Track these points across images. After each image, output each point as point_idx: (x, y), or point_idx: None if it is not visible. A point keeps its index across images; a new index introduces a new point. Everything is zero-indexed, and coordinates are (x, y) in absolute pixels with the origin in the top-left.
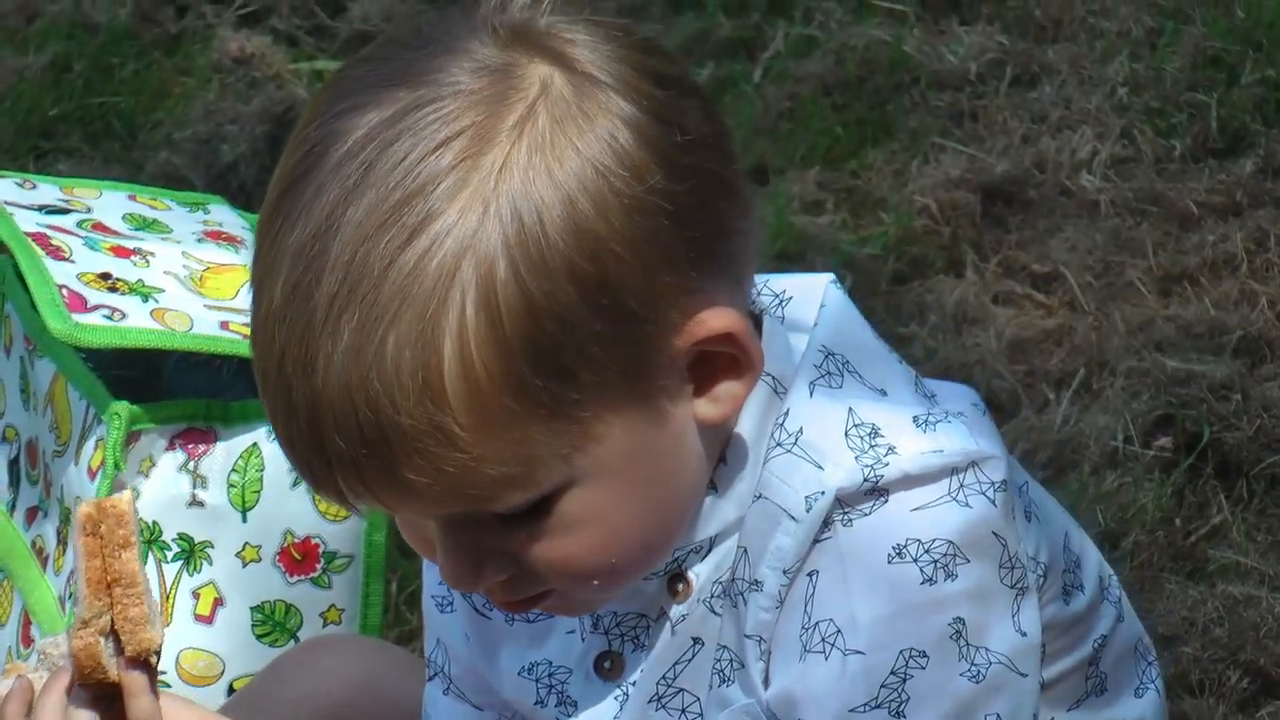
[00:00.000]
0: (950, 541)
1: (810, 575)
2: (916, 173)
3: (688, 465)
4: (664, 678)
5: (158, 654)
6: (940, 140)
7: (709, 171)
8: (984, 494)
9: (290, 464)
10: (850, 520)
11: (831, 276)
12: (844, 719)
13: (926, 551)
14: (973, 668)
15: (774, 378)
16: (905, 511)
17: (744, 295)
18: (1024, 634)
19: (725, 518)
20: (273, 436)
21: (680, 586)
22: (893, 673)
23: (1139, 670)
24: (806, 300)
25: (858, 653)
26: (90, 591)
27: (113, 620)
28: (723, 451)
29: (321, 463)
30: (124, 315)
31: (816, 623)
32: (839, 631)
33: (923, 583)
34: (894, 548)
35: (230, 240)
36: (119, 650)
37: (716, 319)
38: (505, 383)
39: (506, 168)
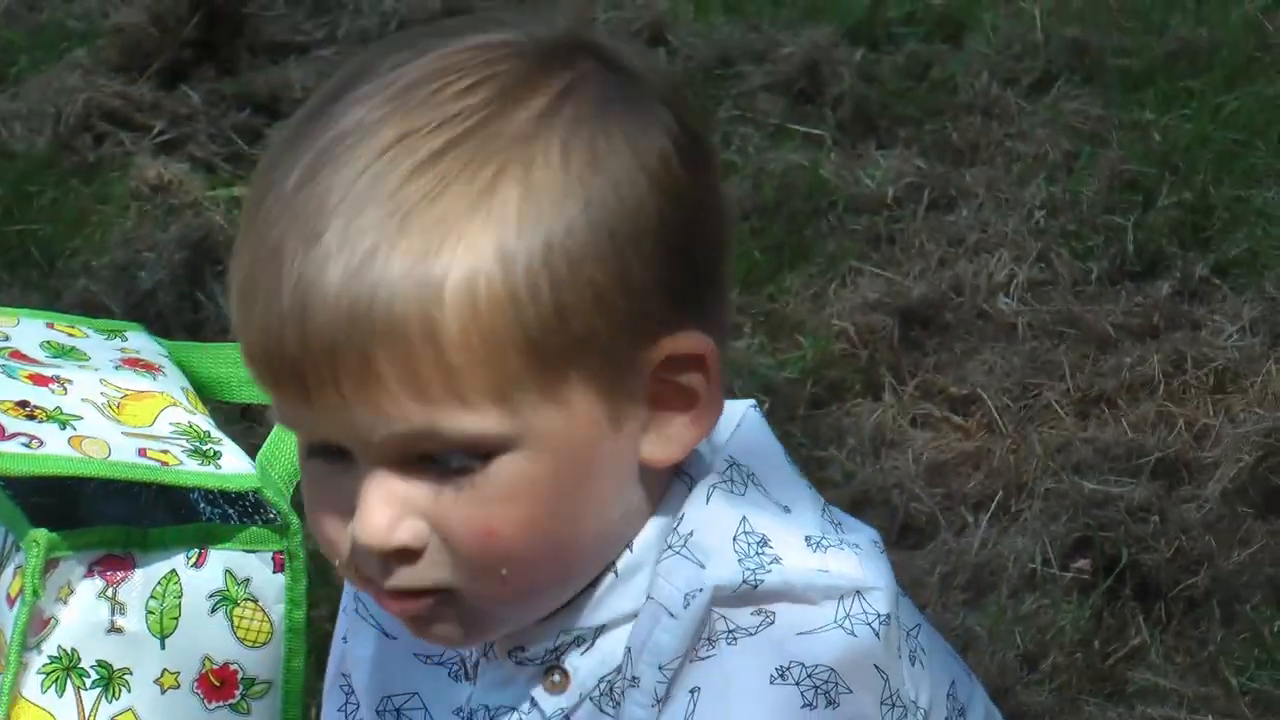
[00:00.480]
0: (832, 669)
1: (692, 692)
2: (834, 296)
3: (615, 495)
4: None
5: None
6: (858, 264)
7: (721, 209)
8: (869, 624)
9: (249, 361)
10: (735, 639)
11: (752, 402)
12: None
13: (809, 675)
14: None
15: (690, 477)
16: (791, 634)
17: (721, 343)
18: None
19: (618, 608)
20: (191, 563)
21: (557, 678)
22: None
23: None
24: (724, 423)
25: None
26: None
27: None
28: (631, 540)
29: (296, 344)
30: (42, 443)
31: None
32: None
33: (803, 706)
34: (777, 669)
35: (148, 368)
36: None
37: (695, 340)
38: (504, 303)
39: (556, 115)
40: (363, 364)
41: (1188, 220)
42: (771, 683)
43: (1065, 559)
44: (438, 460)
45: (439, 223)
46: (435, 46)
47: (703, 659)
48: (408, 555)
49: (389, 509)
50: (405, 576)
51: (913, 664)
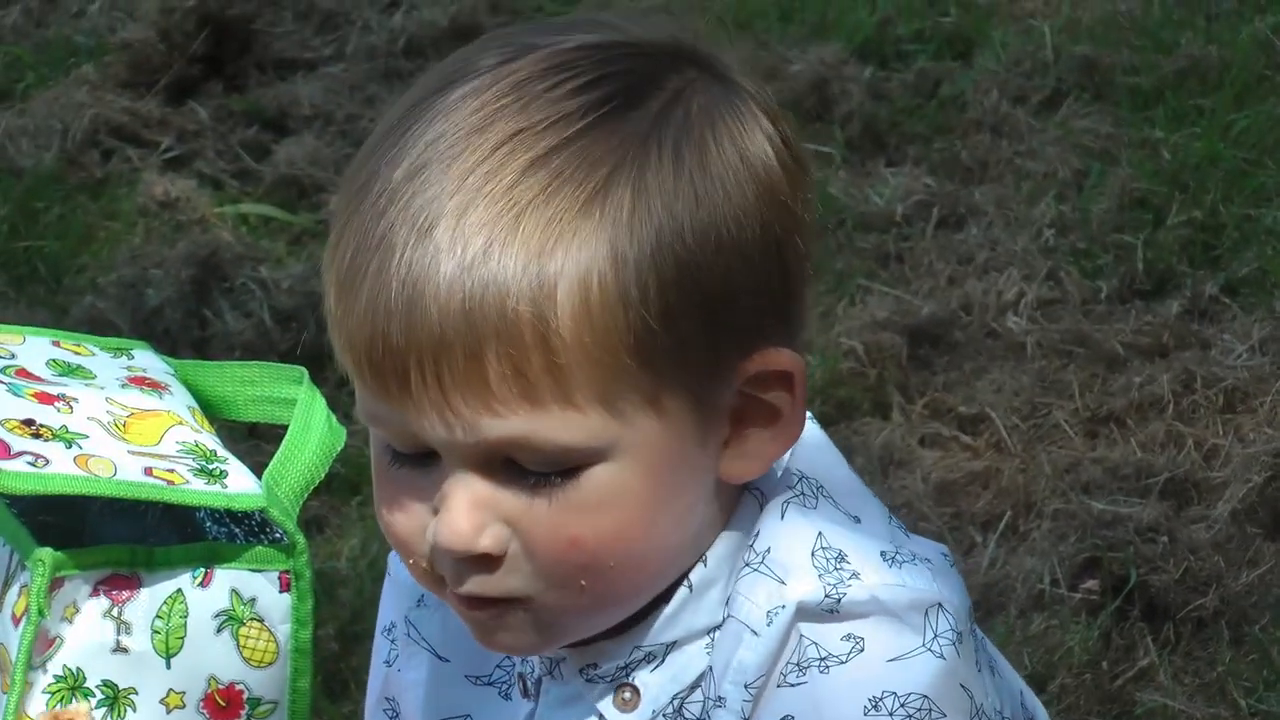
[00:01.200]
0: (925, 695)
1: (785, 719)
2: (842, 314)
3: (695, 512)
4: None
5: None
6: (866, 282)
7: (813, 223)
8: (952, 643)
9: (348, 352)
10: (828, 668)
11: (809, 414)
12: None
13: (902, 705)
14: None
15: (761, 492)
16: (882, 661)
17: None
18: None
19: (692, 624)
20: (197, 582)
21: (628, 695)
22: None
23: None
24: None
25: None
26: None
27: None
28: (704, 554)
29: (401, 337)
30: (47, 462)
31: None
32: None
33: None
34: (870, 699)
35: (154, 386)
36: None
37: (786, 357)
38: (616, 303)
39: (678, 117)
40: (470, 362)
41: (1197, 239)
42: (865, 714)
43: (1074, 579)
44: (529, 468)
45: (552, 221)
46: (543, 45)
47: (794, 685)
48: (488, 561)
49: (476, 514)
50: (480, 583)
51: (992, 674)
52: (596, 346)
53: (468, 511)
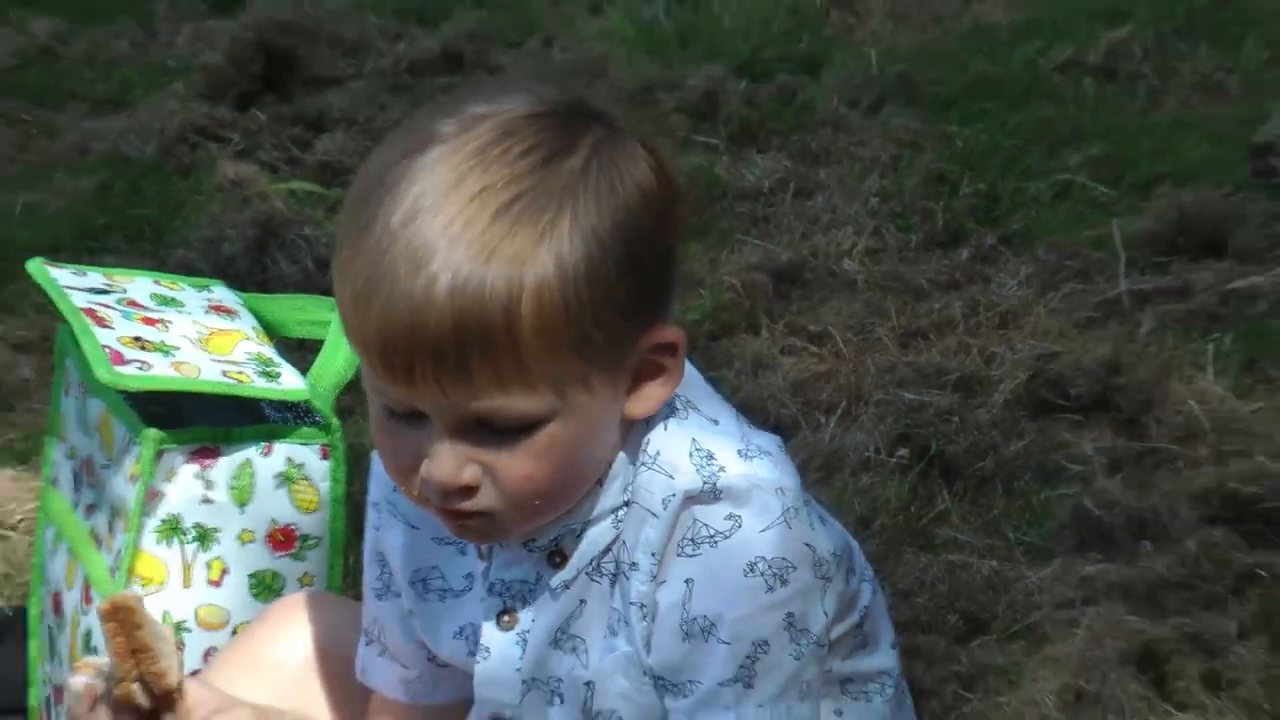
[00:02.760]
0: (783, 557)
1: (687, 581)
2: (725, 260)
3: (607, 442)
4: (560, 628)
5: (178, 689)
6: (742, 237)
7: (681, 225)
8: (796, 515)
9: (362, 350)
10: (716, 543)
11: None
12: (713, 689)
13: (769, 565)
14: (797, 649)
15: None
16: (754, 534)
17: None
18: (827, 614)
19: (601, 508)
20: (261, 453)
21: (558, 560)
22: (747, 656)
23: (889, 628)
24: None
25: (724, 643)
26: (119, 659)
27: (140, 674)
28: (610, 460)
29: (407, 345)
30: (150, 366)
31: (694, 617)
32: (712, 625)
33: (767, 591)
34: (747, 564)
35: (227, 312)
36: (147, 689)
37: (672, 332)
38: (560, 317)
39: (592, 167)
40: (459, 363)
41: (981, 204)
42: (745, 575)
43: (890, 449)
44: (496, 427)
45: (516, 255)
46: (490, 115)
47: (690, 556)
48: (466, 491)
49: (457, 459)
50: (460, 503)
51: (823, 523)
52: (548, 346)
53: (453, 458)
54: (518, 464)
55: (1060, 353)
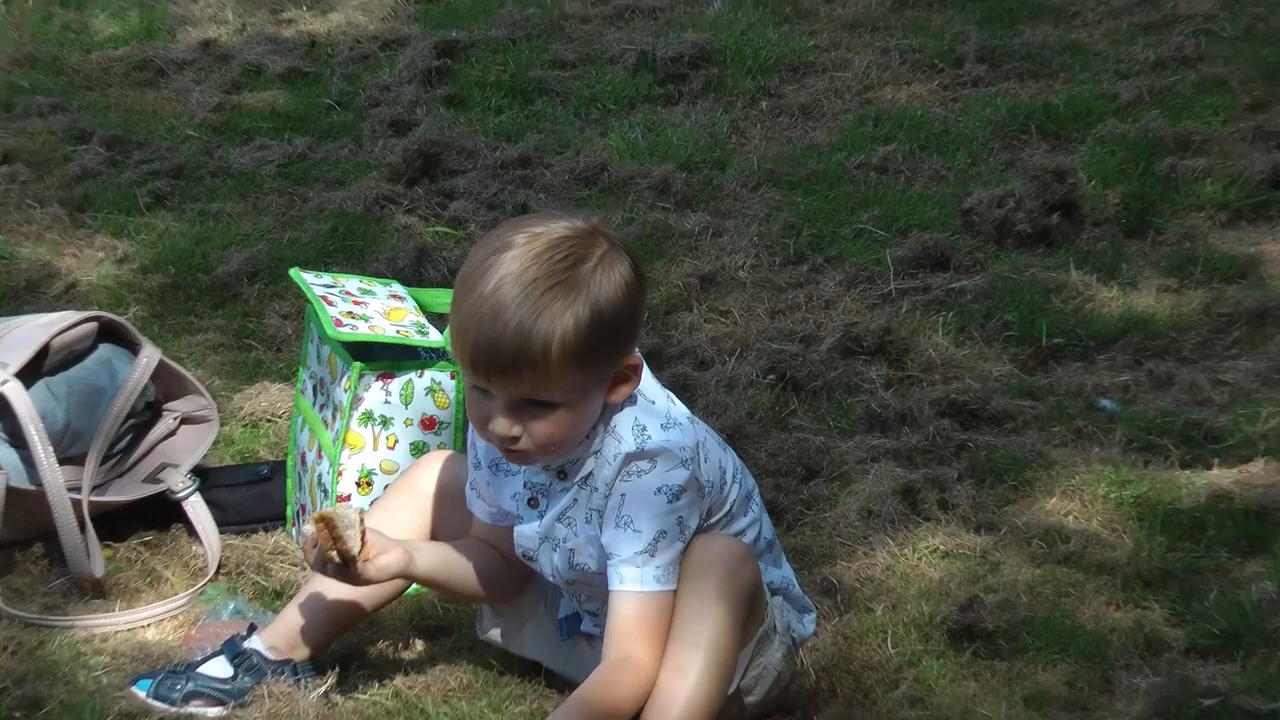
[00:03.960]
0: (682, 485)
1: (621, 495)
2: (673, 271)
3: (594, 416)
4: (563, 512)
5: (361, 550)
6: (683, 258)
7: (644, 301)
8: (693, 459)
9: (458, 358)
10: (641, 475)
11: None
12: (631, 557)
13: (670, 488)
14: (683, 535)
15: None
16: (663, 472)
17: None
18: (700, 521)
19: (586, 452)
20: (418, 376)
21: (562, 476)
22: (652, 540)
23: (759, 500)
24: None
25: (638, 531)
26: (324, 543)
27: (337, 549)
28: (595, 429)
29: (486, 363)
30: (356, 328)
31: (622, 516)
32: (630, 521)
33: (669, 501)
34: (658, 488)
35: (399, 298)
36: (341, 556)
37: (635, 357)
38: (575, 354)
39: (599, 268)
40: (515, 373)
41: (815, 241)
42: (655, 493)
43: (764, 375)
44: (534, 404)
45: (552, 318)
46: (544, 234)
47: (625, 481)
48: (513, 440)
49: (508, 422)
50: (509, 445)
51: (706, 462)
52: (565, 369)
53: (506, 422)
54: (541, 428)
55: (858, 323)
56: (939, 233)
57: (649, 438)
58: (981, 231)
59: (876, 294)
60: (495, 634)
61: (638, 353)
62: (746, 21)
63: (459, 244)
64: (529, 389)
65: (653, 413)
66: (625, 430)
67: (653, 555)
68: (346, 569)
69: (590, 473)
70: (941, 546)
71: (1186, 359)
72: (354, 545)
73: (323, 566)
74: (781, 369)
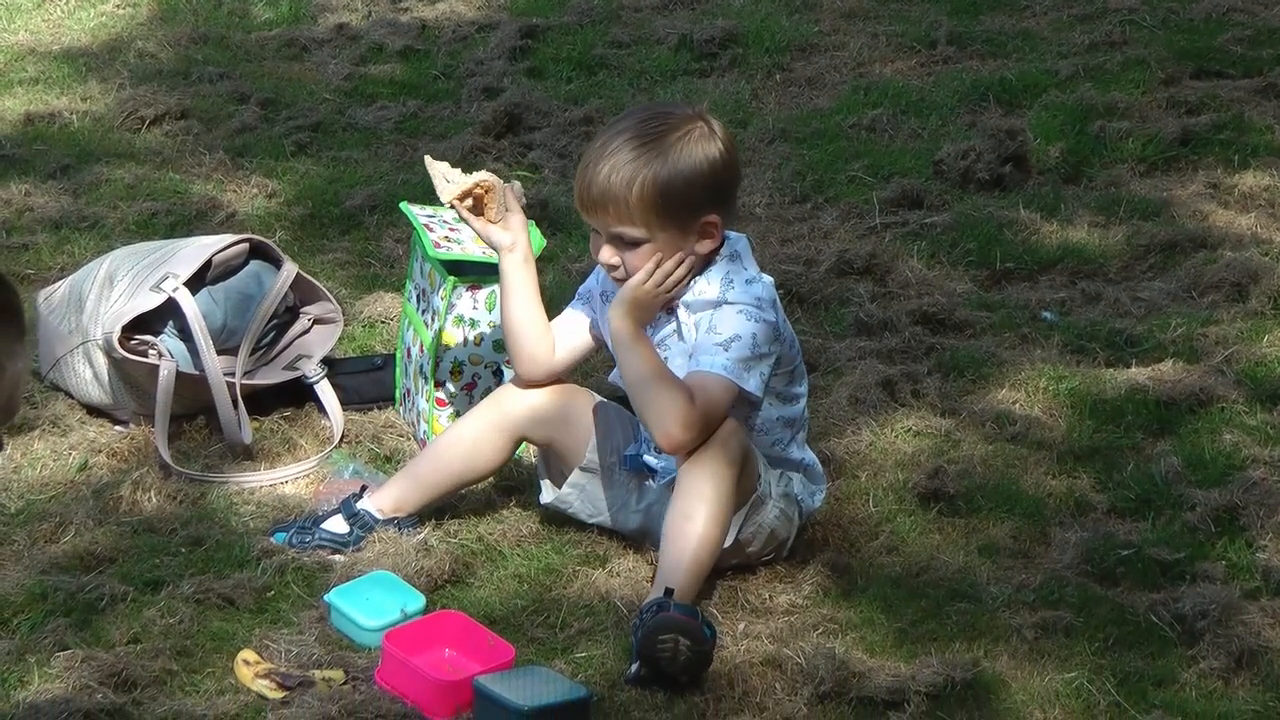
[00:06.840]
0: (760, 314)
1: (711, 317)
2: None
3: (687, 262)
4: (662, 340)
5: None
6: None
7: (735, 177)
8: (770, 307)
9: (576, 200)
10: (728, 305)
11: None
12: (710, 348)
13: (751, 312)
14: (756, 349)
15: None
16: (747, 304)
17: (730, 221)
18: (770, 370)
19: (688, 292)
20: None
21: (668, 312)
22: (729, 339)
23: (804, 379)
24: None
25: (719, 334)
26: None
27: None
28: (695, 273)
29: (587, 201)
30: (450, 250)
31: (711, 326)
32: (714, 328)
33: (749, 321)
34: (740, 309)
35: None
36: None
37: (714, 217)
38: (650, 198)
39: (686, 138)
40: (602, 208)
41: (816, 185)
42: (738, 313)
43: (780, 287)
44: (625, 241)
45: (636, 168)
46: (651, 109)
47: (716, 311)
48: (615, 268)
49: (611, 253)
50: (613, 272)
51: (783, 321)
52: (643, 209)
53: (609, 254)
54: (635, 259)
55: (849, 249)
56: (915, 179)
57: (734, 286)
58: (949, 178)
59: (865, 227)
60: (552, 498)
61: (716, 215)
62: (765, 11)
63: (534, 185)
64: (614, 222)
65: (742, 272)
66: (717, 277)
67: (726, 350)
68: (477, 208)
69: (688, 303)
70: (914, 427)
71: (1112, 280)
72: (495, 212)
73: (462, 199)
74: (789, 285)
